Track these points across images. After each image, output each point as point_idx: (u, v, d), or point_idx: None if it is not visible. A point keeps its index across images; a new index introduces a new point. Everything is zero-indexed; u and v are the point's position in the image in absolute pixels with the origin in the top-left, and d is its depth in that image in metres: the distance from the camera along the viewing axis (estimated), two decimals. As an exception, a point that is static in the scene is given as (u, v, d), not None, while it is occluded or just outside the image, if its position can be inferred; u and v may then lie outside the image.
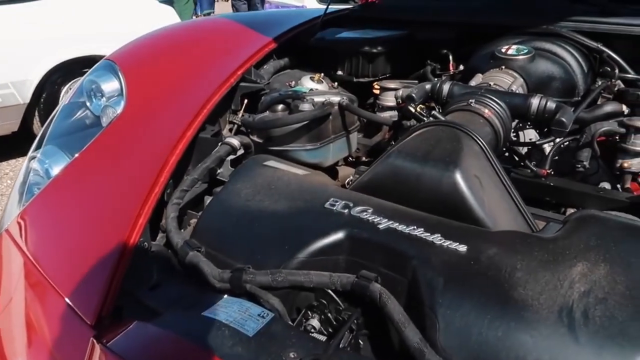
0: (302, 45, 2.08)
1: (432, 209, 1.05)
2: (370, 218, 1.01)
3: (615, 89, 1.65)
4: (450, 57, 1.97)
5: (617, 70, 1.64)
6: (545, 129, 1.31)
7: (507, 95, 1.32)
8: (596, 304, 0.79)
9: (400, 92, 1.57)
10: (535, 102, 1.27)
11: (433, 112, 1.28)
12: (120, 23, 4.36)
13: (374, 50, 1.91)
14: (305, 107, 1.38)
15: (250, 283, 0.98)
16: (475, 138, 1.14)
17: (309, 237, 1.01)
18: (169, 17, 4.77)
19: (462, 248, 0.92)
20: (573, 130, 1.58)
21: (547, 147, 1.51)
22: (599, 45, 1.75)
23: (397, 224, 0.99)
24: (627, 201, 1.29)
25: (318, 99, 1.45)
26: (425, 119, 1.30)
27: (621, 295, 0.80)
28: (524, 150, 1.58)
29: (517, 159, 1.53)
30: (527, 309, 0.81)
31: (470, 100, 1.29)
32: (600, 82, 1.67)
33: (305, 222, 1.05)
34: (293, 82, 1.79)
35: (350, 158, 1.76)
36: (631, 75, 1.69)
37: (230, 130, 1.71)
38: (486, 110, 1.27)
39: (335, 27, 2.26)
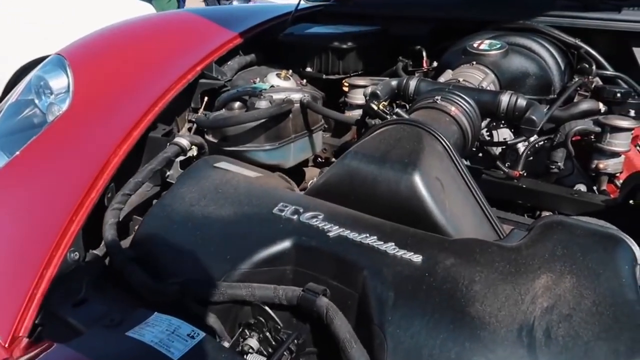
0: (272, 41, 1.99)
1: (390, 214, 0.96)
2: (320, 225, 0.92)
3: (593, 86, 1.58)
4: (424, 53, 1.90)
5: (594, 67, 1.57)
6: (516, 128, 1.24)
7: (476, 92, 1.24)
8: (560, 322, 0.71)
9: (369, 90, 1.49)
10: (504, 99, 1.19)
11: (396, 109, 1.20)
12: (96, 21, 4.23)
13: (344, 46, 1.82)
14: (262, 104, 1.29)
15: (187, 297, 0.89)
16: (438, 137, 1.05)
17: (254, 246, 0.92)
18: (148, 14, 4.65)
19: (417, 258, 0.83)
20: (548, 130, 1.51)
21: (522, 147, 1.43)
22: (576, 41, 1.68)
23: (349, 231, 0.90)
24: (603, 205, 1.21)
25: (277, 96, 1.37)
26: (388, 117, 1.21)
27: (587, 311, 0.72)
28: (498, 150, 1.50)
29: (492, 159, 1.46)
30: (484, 328, 0.72)
31: (436, 98, 1.20)
32: (577, 79, 1.60)
33: (251, 230, 0.96)
34: (258, 79, 1.70)
35: (319, 159, 1.68)
36: (609, 72, 1.62)
37: (190, 129, 1.61)
38: (453, 108, 1.19)
39: (309, 22, 2.18)
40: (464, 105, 1.20)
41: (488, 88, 1.36)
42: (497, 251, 0.83)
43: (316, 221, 0.93)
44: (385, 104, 1.24)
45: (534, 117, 1.12)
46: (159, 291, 0.89)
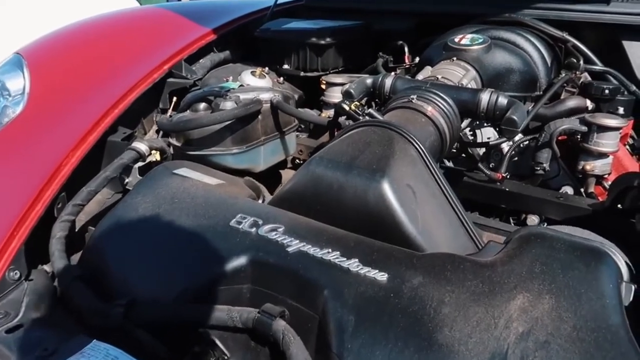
0: (249, 38, 1.90)
1: (357, 226, 0.89)
2: (279, 238, 0.85)
3: (580, 82, 1.50)
4: (406, 49, 1.82)
5: (582, 62, 1.49)
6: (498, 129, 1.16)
7: (455, 90, 1.17)
8: (536, 350, 0.64)
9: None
10: (484, 97, 1.12)
11: (369, 110, 1.12)
12: (80, 17, 4.12)
13: (322, 42, 1.74)
14: (227, 105, 1.21)
15: (132, 320, 0.81)
16: (412, 140, 0.98)
17: (208, 262, 0.85)
18: (131, 10, 4.54)
19: (382, 277, 0.76)
20: (533, 129, 1.44)
21: (506, 147, 1.36)
22: (564, 35, 1.61)
23: (310, 245, 0.82)
24: (589, 209, 1.14)
25: (245, 96, 1.28)
26: (361, 118, 1.14)
27: (567, 337, 0.64)
28: (482, 150, 1.43)
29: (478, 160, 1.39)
30: (452, 356, 0.65)
31: (411, 97, 1.13)
32: (563, 75, 1.52)
33: (206, 244, 0.88)
34: (231, 78, 1.61)
35: (297, 161, 1.60)
36: (598, 66, 1.55)
37: (158, 132, 1.53)
38: (429, 108, 1.11)
39: (289, 17, 2.09)
40: (442, 104, 1.12)
41: (469, 85, 1.28)
42: (470, 268, 0.75)
43: (275, 234, 0.85)
44: (358, 104, 1.16)
45: (514, 117, 1.04)
46: (102, 314, 0.81)
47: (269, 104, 1.30)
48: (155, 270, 0.88)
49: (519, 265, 0.74)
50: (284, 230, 0.86)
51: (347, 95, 1.22)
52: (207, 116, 1.16)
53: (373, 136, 0.99)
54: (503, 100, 1.11)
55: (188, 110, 1.26)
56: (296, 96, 1.76)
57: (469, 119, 1.28)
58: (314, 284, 0.78)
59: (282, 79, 1.76)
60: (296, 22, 1.92)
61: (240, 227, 0.88)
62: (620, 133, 1.20)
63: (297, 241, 0.84)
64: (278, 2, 2.42)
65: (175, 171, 1.08)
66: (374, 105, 1.40)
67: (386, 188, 0.88)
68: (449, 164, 1.44)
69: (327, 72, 1.80)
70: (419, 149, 0.98)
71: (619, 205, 1.09)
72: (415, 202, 0.90)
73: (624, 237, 1.09)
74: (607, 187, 1.26)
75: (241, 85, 1.37)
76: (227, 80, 1.61)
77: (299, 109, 1.82)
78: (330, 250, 0.81)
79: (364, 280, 0.76)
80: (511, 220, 1.33)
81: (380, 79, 1.24)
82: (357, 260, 0.79)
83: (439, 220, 0.93)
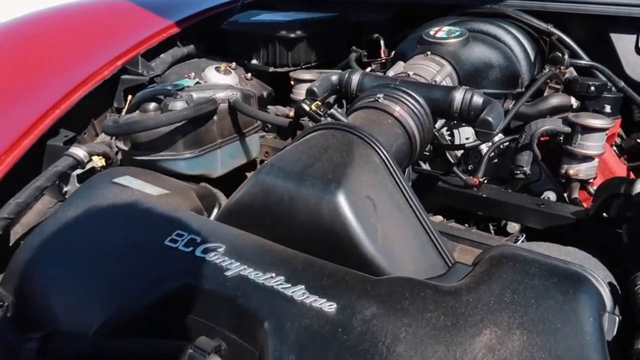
0: (217, 31, 1.79)
1: (309, 243, 0.78)
2: (218, 260, 0.74)
3: (565, 77, 1.41)
4: (382, 42, 1.71)
5: (567, 56, 1.39)
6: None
7: (426, 88, 1.06)
8: (503, 399, 0.54)
9: (315, 85, 1.30)
10: (458, 96, 1.01)
11: (331, 110, 1.01)
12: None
13: (292, 35, 1.63)
14: (177, 105, 1.10)
15: (48, 356, 0.70)
16: (374, 145, 0.87)
17: (138, 287, 0.74)
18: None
19: (330, 307, 0.66)
20: (515, 128, 1.34)
21: (485, 148, 1.26)
22: (548, 27, 1.51)
23: (252, 269, 0.72)
24: (572, 217, 1.05)
25: (200, 94, 1.17)
26: (323, 119, 1.03)
27: (539, 383, 0.55)
28: (460, 152, 1.33)
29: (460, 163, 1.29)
30: (405, 407, 0.55)
31: (377, 96, 1.02)
32: (547, 70, 1.42)
33: (135, 266, 0.77)
34: (193, 74, 1.50)
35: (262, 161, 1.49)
36: (584, 61, 1.45)
37: (111, 133, 1.41)
38: (397, 108, 1.00)
39: (263, 9, 1.98)
40: (411, 104, 1.02)
41: (443, 82, 1.18)
42: (431, 296, 0.65)
43: (214, 255, 0.75)
44: (319, 103, 1.05)
45: (489, 119, 0.94)
46: (13, 349, 0.71)
47: (226, 104, 1.19)
48: (79, 296, 0.78)
49: (486, 293, 0.64)
50: (224, 251, 0.76)
51: (310, 93, 1.11)
52: (153, 118, 1.05)
53: (331, 141, 0.88)
54: (478, 100, 1.00)
55: (137, 111, 1.15)
56: (265, 93, 1.65)
57: (443, 120, 1.18)
58: (254, 314, 0.67)
59: (250, 75, 1.64)
60: (267, 14, 1.81)
61: (176, 246, 0.78)
62: (606, 134, 1.10)
63: (238, 263, 0.73)
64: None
65: (115, 180, 0.97)
66: (345, 104, 1.30)
67: (341, 200, 0.77)
68: (425, 166, 1.35)
69: (299, 68, 1.70)
70: (383, 155, 0.87)
71: (604, 214, 1.00)
72: (375, 215, 0.80)
73: (610, 247, 1.00)
74: (592, 192, 1.17)
75: (198, 83, 1.26)
76: (189, 77, 1.50)
77: (269, 106, 1.73)
78: (274, 274, 0.71)
79: (310, 312, 0.66)
80: (491, 227, 1.24)
81: (346, 76, 1.14)
82: (303, 287, 0.69)
83: (403, 235, 0.83)
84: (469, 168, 1.33)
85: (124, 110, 1.40)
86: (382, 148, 0.88)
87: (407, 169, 1.09)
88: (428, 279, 0.73)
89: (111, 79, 1.36)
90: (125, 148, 1.12)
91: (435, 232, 0.86)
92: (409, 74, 1.15)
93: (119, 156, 1.15)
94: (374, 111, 1.01)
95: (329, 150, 0.86)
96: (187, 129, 1.11)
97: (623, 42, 1.52)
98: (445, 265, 0.86)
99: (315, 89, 1.11)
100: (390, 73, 1.20)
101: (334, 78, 1.15)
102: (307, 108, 1.03)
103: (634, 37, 1.51)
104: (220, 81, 1.50)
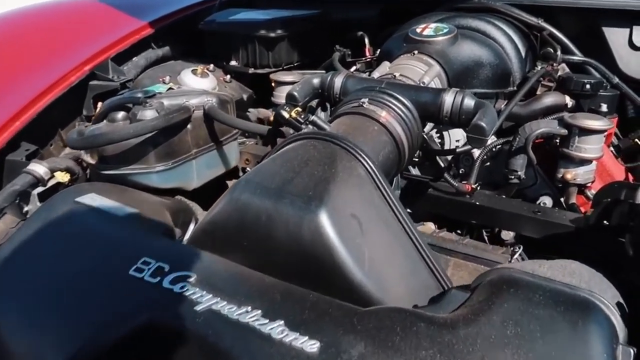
0: (194, 31, 1.70)
1: (290, 268, 0.71)
2: (187, 292, 0.67)
3: (558, 74, 1.35)
4: (366, 40, 1.64)
5: (559, 52, 1.33)
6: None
7: (414, 90, 0.99)
8: None
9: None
10: (448, 99, 0.95)
11: (312, 117, 0.94)
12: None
13: (272, 35, 1.55)
14: (147, 114, 1.01)
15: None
16: (359, 156, 0.80)
17: (96, 326, 0.67)
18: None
19: (313, 346, 0.59)
20: (508, 129, 1.28)
21: (477, 152, 1.20)
22: (539, 22, 1.45)
23: (225, 302, 0.65)
24: (572, 226, 0.99)
25: (172, 101, 1.09)
26: (303, 126, 0.96)
27: None
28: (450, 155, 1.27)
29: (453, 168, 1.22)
30: None
31: (362, 100, 0.95)
32: (540, 67, 1.36)
33: (96, 301, 0.69)
34: (168, 78, 1.42)
35: (246, 170, 1.41)
36: (577, 57, 1.39)
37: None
38: (383, 113, 0.93)
39: (243, 7, 1.89)
40: (398, 108, 0.95)
41: (432, 84, 1.11)
42: (425, 331, 0.58)
43: (183, 287, 0.67)
44: (300, 109, 0.98)
45: (482, 124, 0.87)
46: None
47: (201, 111, 1.11)
48: (35, 334, 0.70)
49: (486, 326, 0.58)
50: (195, 281, 0.68)
51: (290, 98, 1.04)
52: (119, 129, 0.97)
53: (312, 152, 0.81)
54: (469, 102, 0.94)
55: (104, 121, 1.07)
56: (245, 96, 1.58)
57: (432, 124, 1.11)
58: (227, 355, 0.60)
59: (229, 77, 1.57)
60: (246, 13, 1.73)
61: (142, 276, 0.70)
62: (604, 135, 1.04)
63: (210, 296, 0.66)
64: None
65: (78, 199, 0.89)
66: (328, 108, 1.22)
67: (323, 220, 0.70)
68: (415, 170, 1.28)
69: (280, 68, 1.62)
70: (368, 167, 0.80)
71: (604, 222, 0.94)
72: (361, 235, 0.73)
73: (612, 260, 0.94)
74: (590, 196, 1.11)
75: (170, 89, 1.18)
76: (163, 81, 1.41)
77: (250, 109, 1.65)
78: (250, 308, 0.63)
79: (289, 352, 0.58)
80: (484, 234, 1.18)
81: (328, 79, 1.06)
82: (282, 322, 0.61)
83: (392, 255, 0.76)
84: (460, 172, 1.26)
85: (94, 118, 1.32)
86: (367, 159, 0.80)
87: (395, 178, 1.02)
88: (421, 307, 0.67)
89: (79, 86, 1.27)
90: (92, 161, 1.04)
91: (426, 248, 0.80)
92: (395, 76, 1.08)
93: (84, 170, 1.07)
94: (358, 117, 0.94)
95: (310, 163, 0.79)
96: (158, 139, 1.03)
97: (616, 36, 1.47)
98: (438, 285, 0.79)
99: (295, 93, 1.03)
100: (376, 74, 1.13)
101: (316, 81, 1.08)
102: (286, 115, 0.96)
103: (627, 30, 1.46)
104: (197, 84, 1.43)
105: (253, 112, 1.64)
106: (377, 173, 0.80)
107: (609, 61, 1.44)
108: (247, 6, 1.92)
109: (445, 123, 0.99)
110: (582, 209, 1.12)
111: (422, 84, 1.07)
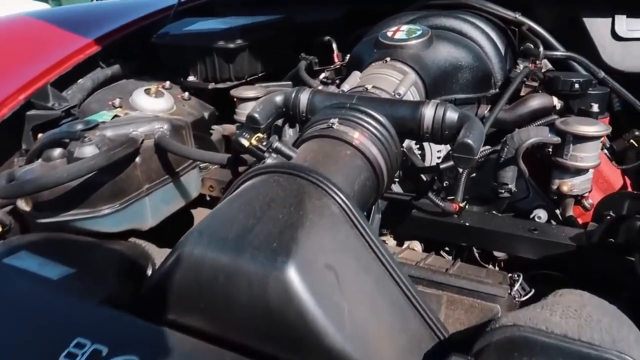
0: (147, 45, 1.56)
1: (256, 335, 0.60)
2: (130, 384, 0.54)
3: (543, 70, 1.26)
4: (334, 45, 1.52)
5: (541, 48, 1.24)
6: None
7: (389, 104, 0.88)
8: None
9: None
10: (428, 113, 0.84)
11: (276, 144, 0.82)
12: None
13: (231, 46, 1.42)
14: (86, 151, 0.88)
15: None
16: (331, 191, 0.69)
17: None
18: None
19: None
20: (491, 135, 1.17)
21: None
22: (516, 16, 1.35)
23: (177, 394, 0.52)
24: (572, 245, 0.89)
25: (117, 131, 0.96)
26: (267, 154, 0.83)
27: None
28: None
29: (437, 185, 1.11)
30: None
31: (331, 121, 0.83)
32: (522, 66, 1.27)
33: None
34: (118, 100, 1.28)
35: (209, 196, 1.29)
36: (560, 52, 1.30)
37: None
38: (356, 134, 0.82)
39: (205, 15, 1.76)
40: (373, 127, 0.84)
41: (408, 94, 1.00)
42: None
43: (125, 376, 0.55)
44: (262, 136, 0.86)
45: (469, 142, 0.76)
46: None
47: (151, 140, 0.98)
48: None
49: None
50: (138, 366, 0.56)
51: (251, 121, 0.91)
52: (51, 173, 0.83)
53: (276, 191, 0.69)
54: (452, 116, 0.83)
55: (39, 160, 0.93)
56: (206, 114, 1.44)
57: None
58: None
59: (187, 94, 1.43)
60: (202, 22, 1.60)
61: (75, 363, 0.57)
62: (601, 141, 0.95)
63: (158, 387, 0.53)
64: (189, -1, 2.09)
65: (6, 260, 0.75)
66: (297, 127, 1.11)
67: (292, 278, 0.58)
68: (396, 186, 1.17)
69: (243, 81, 1.50)
70: (343, 203, 0.69)
71: (610, 240, 0.84)
72: (338, 290, 0.61)
73: (616, 277, 0.85)
74: (588, 206, 1.01)
75: (116, 116, 1.04)
76: (113, 105, 1.28)
77: (214, 126, 1.52)
78: (207, 400, 0.51)
79: None
80: (475, 252, 1.08)
81: (293, 96, 0.94)
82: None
83: (377, 306, 0.65)
84: (444, 184, 1.16)
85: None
86: (340, 193, 0.69)
87: (375, 203, 0.91)
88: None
89: (14, 117, 1.13)
90: (27, 209, 0.90)
91: (415, 292, 0.68)
92: (366, 88, 0.96)
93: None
94: (328, 141, 0.82)
95: (274, 205, 0.67)
96: (102, 178, 0.90)
97: (597, 27, 1.39)
98: (432, 335, 0.68)
99: (256, 115, 0.91)
100: (346, 87, 1.02)
101: (279, 99, 0.96)
102: (245, 143, 0.84)
103: (609, 20, 1.38)
104: (151, 105, 1.29)
105: (217, 130, 1.51)
106: (352, 209, 0.69)
107: (592, 53, 1.36)
108: (206, 14, 1.79)
109: (426, 140, 0.88)
110: (580, 220, 1.03)
111: (397, 96, 0.96)
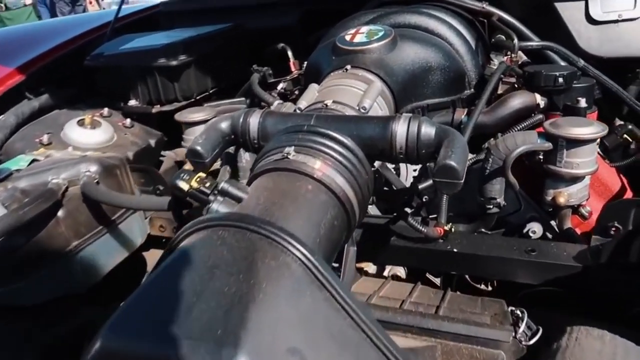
0: (79, 69, 1.39)
1: None
2: None
3: (520, 62, 1.15)
4: (290, 53, 1.39)
5: (516, 40, 1.13)
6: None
7: (353, 123, 0.74)
8: None
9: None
10: (400, 129, 0.71)
11: (222, 184, 0.67)
12: None
13: (174, 63, 1.27)
14: (-9, 212, 0.72)
15: None
16: (290, 246, 0.55)
17: None
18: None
19: None
20: (470, 139, 1.05)
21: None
22: (484, 5, 1.24)
23: None
24: (577, 266, 0.77)
25: (36, 180, 0.80)
26: (211, 197, 0.69)
27: None
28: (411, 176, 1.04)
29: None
30: None
31: (286, 150, 0.69)
32: (496, 61, 1.16)
33: None
34: (46, 136, 1.12)
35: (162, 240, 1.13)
36: (535, 42, 1.19)
37: None
38: (317, 164, 0.68)
39: (139, 31, 1.59)
40: (336, 152, 0.70)
41: (375, 107, 0.87)
42: None
43: None
44: (203, 176, 0.71)
45: (452, 163, 0.63)
46: None
47: (77, 187, 0.83)
48: None
49: None
50: None
51: (192, 155, 0.77)
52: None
53: (221, 251, 0.55)
54: (429, 131, 0.70)
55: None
56: (152, 141, 1.30)
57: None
58: None
59: (129, 121, 1.27)
60: (142, 39, 1.44)
61: None
62: (597, 143, 0.83)
63: None
64: (134, 10, 1.92)
65: None
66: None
67: (246, 377, 0.44)
68: (372, 207, 1.04)
69: (192, 100, 1.34)
70: (306, 259, 0.55)
71: (621, 261, 0.73)
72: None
73: (626, 297, 0.74)
74: (586, 213, 0.90)
75: (34, 160, 0.88)
76: (41, 142, 1.12)
77: (165, 152, 1.36)
78: None
79: None
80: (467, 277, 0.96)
81: (241, 120, 0.80)
82: None
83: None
84: (424, 199, 1.03)
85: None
86: (303, 247, 0.55)
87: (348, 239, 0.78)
88: None
89: None
90: None
91: (398, 353, 0.55)
92: (326, 105, 0.82)
93: None
94: (284, 175, 0.68)
95: (218, 273, 0.52)
96: (16, 242, 0.74)
97: (571, 12, 1.28)
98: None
99: (198, 148, 0.76)
100: (302, 103, 0.88)
101: (224, 126, 0.81)
102: (184, 187, 0.69)
103: (582, 3, 1.27)
104: (86, 139, 1.14)
105: (169, 155, 1.35)
106: (319, 266, 0.55)
107: (567, 40, 1.25)
108: (149, 29, 1.63)
109: (400, 161, 0.75)
110: (578, 230, 0.92)
111: (362, 110, 0.83)
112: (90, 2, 7.54)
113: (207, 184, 0.69)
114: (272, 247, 0.55)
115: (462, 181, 0.65)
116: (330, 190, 0.68)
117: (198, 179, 0.70)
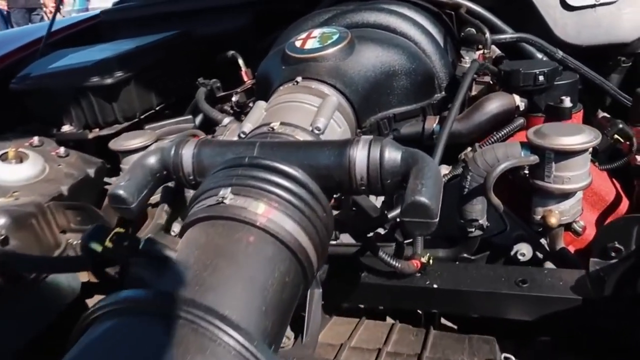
0: (7, 92, 1.24)
1: None
2: None
3: (493, 57, 1.04)
4: (240, 61, 1.25)
5: (488, 33, 1.01)
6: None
7: (303, 150, 0.62)
8: None
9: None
10: (359, 155, 0.58)
11: (144, 243, 0.54)
12: None
13: (110, 80, 1.12)
14: None
15: None
16: (222, 334, 0.42)
17: None
18: None
19: None
20: (445, 150, 0.94)
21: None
22: (450, -4, 1.13)
23: None
24: (577, 299, 0.66)
25: None
26: (131, 262, 0.55)
27: None
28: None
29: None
30: None
31: (221, 194, 0.56)
32: (468, 58, 1.04)
33: None
34: (-39, 176, 0.97)
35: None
36: (508, 34, 1.08)
37: None
38: (260, 208, 0.55)
39: (77, 45, 1.44)
40: (284, 190, 0.57)
41: (332, 127, 0.74)
42: None
43: None
44: (122, 231, 0.58)
45: (423, 200, 0.51)
46: None
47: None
48: None
49: None
50: None
51: (115, 201, 0.63)
52: None
53: (132, 348, 0.42)
54: (394, 156, 0.58)
55: None
56: (91, 171, 1.14)
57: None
58: None
59: (63, 149, 1.12)
60: (75, 54, 1.28)
61: None
62: (590, 152, 0.72)
63: None
64: (75, 21, 1.76)
65: None
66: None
67: None
68: (341, 237, 0.91)
69: (136, 120, 1.20)
70: (243, 350, 0.42)
71: (629, 295, 0.62)
72: None
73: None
74: (579, 229, 0.79)
75: None
76: (-46, 184, 0.96)
77: (109, 179, 1.22)
78: None
79: None
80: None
81: (172, 153, 0.66)
82: None
83: None
84: (397, 220, 0.92)
85: None
86: (239, 335, 0.43)
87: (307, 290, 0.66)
88: None
89: None
90: None
91: None
92: (272, 127, 0.69)
93: None
94: (220, 226, 0.55)
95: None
96: None
97: (544, -2, 1.18)
98: None
99: (121, 192, 0.63)
100: (247, 126, 0.74)
101: (153, 161, 0.67)
102: (98, 249, 0.55)
103: (557, -13, 1.17)
104: (11, 175, 1.00)
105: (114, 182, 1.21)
106: (258, 355, 0.42)
107: (542, 29, 1.14)
108: (89, 42, 1.47)
109: (362, 193, 0.63)
110: (572, 248, 0.81)
111: (316, 131, 0.70)
112: (51, 12, 7.23)
113: (125, 243, 0.56)
114: (198, 335, 0.42)
115: (437, 220, 0.53)
116: (278, 240, 0.55)
117: (114, 237, 0.56)
